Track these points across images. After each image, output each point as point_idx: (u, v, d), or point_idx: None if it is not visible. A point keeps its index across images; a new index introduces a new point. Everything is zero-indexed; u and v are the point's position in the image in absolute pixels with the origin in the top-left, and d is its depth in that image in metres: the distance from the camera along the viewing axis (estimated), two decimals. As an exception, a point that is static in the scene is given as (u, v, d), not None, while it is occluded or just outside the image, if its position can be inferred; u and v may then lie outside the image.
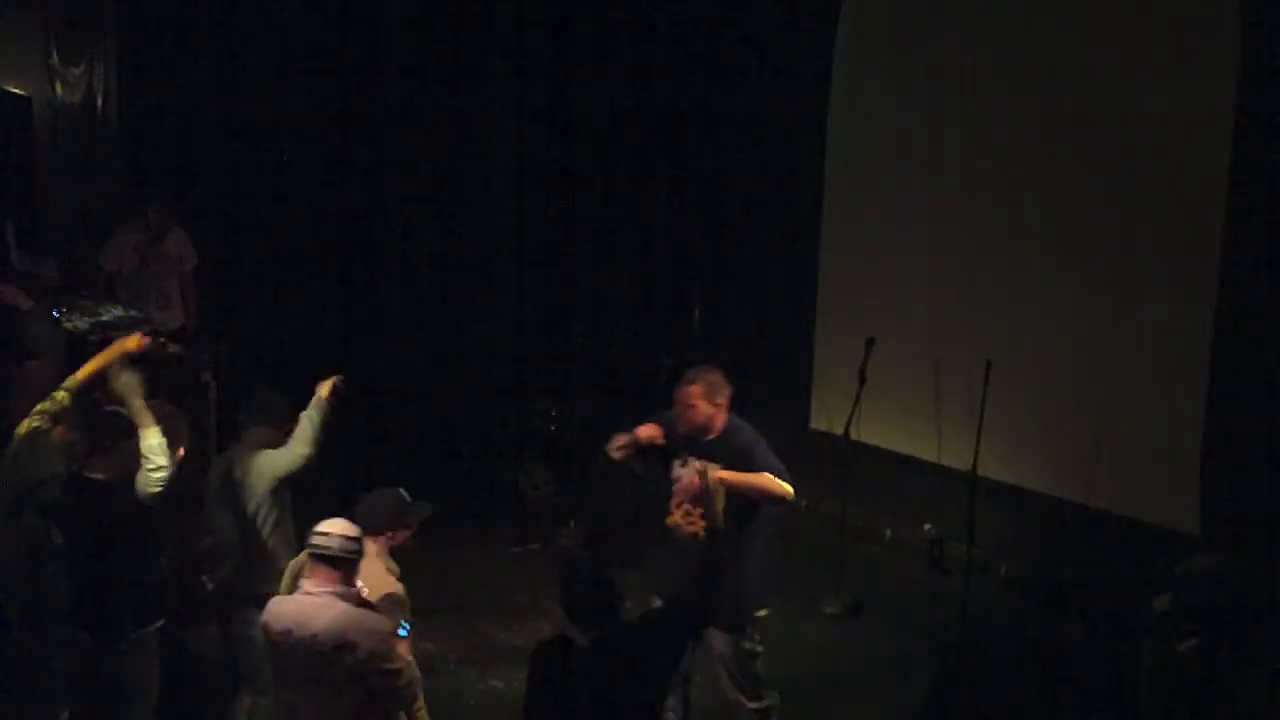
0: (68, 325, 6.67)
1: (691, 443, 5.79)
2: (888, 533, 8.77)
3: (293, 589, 5.05)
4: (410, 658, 4.85)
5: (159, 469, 5.19)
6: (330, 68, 9.28)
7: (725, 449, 5.71)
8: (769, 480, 5.57)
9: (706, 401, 5.74)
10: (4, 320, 6.89)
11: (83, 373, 5.61)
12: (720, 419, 5.79)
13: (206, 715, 5.88)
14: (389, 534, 5.16)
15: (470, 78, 9.79)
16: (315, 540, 4.64)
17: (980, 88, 8.39)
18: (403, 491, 5.25)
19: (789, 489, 5.61)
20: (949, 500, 7.94)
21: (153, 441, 5.22)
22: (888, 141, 9.05)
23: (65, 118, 8.99)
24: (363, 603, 4.72)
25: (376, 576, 5.01)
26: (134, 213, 8.36)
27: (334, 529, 4.65)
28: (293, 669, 4.62)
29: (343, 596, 4.61)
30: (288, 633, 4.59)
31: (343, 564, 4.63)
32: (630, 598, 5.51)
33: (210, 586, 5.88)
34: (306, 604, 4.61)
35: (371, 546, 5.08)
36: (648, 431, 5.88)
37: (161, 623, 5.32)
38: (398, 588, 5.04)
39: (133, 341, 5.70)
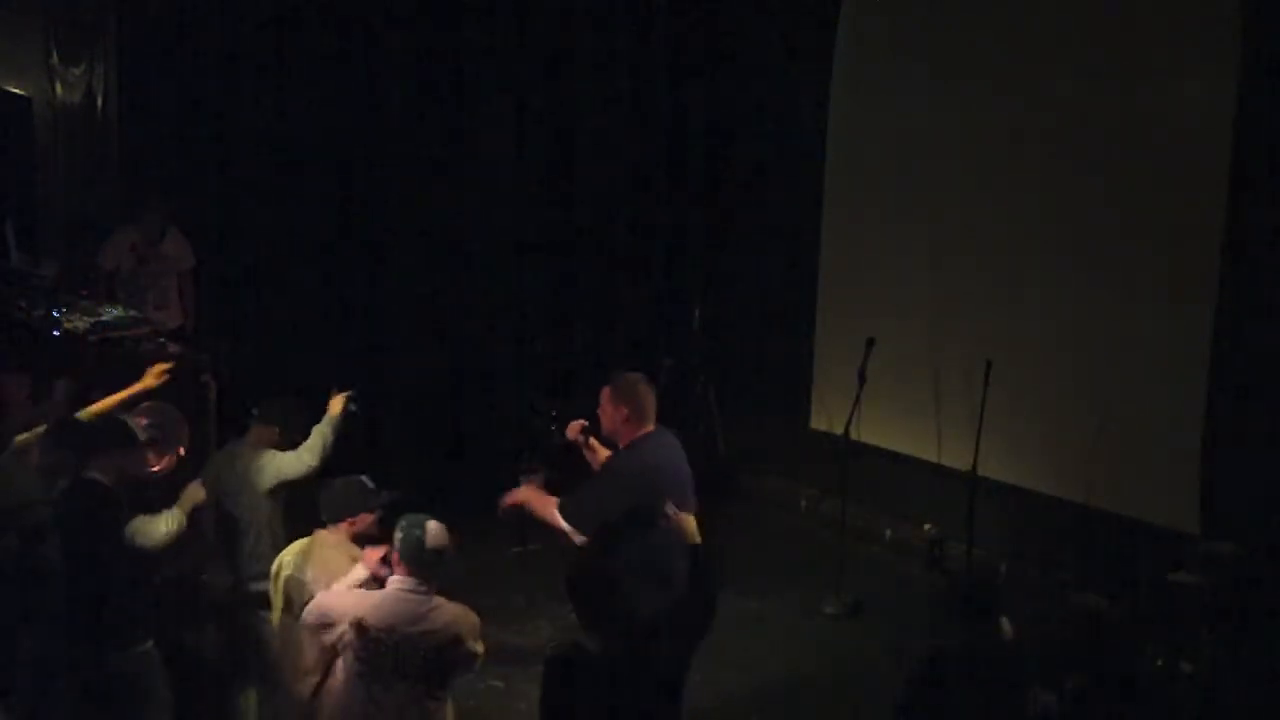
0: (68, 325, 6.68)
1: (614, 449, 5.46)
2: (888, 533, 8.76)
3: (296, 589, 5.06)
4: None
5: (161, 531, 5.23)
6: (330, 68, 9.26)
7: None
8: (547, 512, 5.26)
9: (611, 405, 5.31)
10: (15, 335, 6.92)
11: (103, 405, 5.65)
12: (627, 433, 5.30)
13: (206, 715, 5.87)
14: (350, 521, 5.15)
15: (471, 77, 9.78)
16: (428, 556, 4.68)
17: (980, 88, 8.40)
18: (364, 479, 5.22)
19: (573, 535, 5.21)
20: (949, 500, 7.93)
21: (172, 525, 5.27)
22: (888, 141, 9.06)
23: (65, 118, 8.97)
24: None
25: (340, 565, 5.01)
26: (132, 213, 8.35)
27: (439, 541, 4.70)
28: (388, 664, 4.66)
29: (438, 593, 4.73)
30: (391, 629, 4.65)
31: (435, 565, 4.73)
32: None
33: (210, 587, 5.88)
34: (410, 602, 4.68)
35: (331, 537, 5.14)
36: (572, 429, 5.73)
37: (151, 643, 5.26)
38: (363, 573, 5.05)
39: (152, 379, 5.83)
